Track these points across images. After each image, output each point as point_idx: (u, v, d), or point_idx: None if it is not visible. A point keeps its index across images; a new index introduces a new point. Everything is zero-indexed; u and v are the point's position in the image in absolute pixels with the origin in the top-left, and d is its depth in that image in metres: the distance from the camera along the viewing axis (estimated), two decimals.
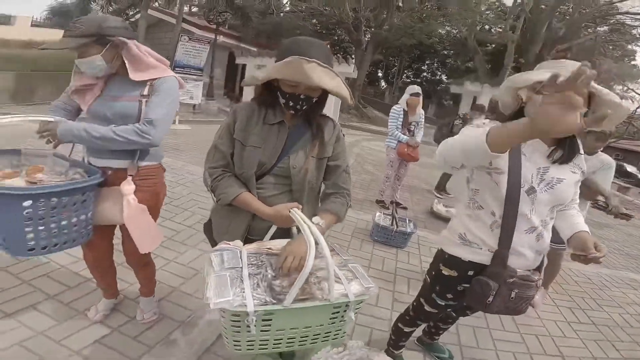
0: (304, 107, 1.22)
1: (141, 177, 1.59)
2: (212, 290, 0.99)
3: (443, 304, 1.55)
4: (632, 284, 3.78)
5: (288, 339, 1.12)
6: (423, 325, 2.00)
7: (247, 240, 1.31)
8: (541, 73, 1.11)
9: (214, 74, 11.96)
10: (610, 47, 15.68)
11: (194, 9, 19.57)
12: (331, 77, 1.11)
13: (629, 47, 16.51)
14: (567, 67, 1.05)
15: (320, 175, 1.33)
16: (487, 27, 20.29)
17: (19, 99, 9.74)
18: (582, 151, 1.31)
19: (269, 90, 1.27)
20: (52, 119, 1.44)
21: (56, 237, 1.37)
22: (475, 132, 1.04)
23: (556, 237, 2.66)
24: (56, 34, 15.51)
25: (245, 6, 14.07)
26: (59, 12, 19.65)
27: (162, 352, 1.78)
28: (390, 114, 4.52)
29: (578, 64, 0.73)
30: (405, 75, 28.01)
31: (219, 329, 1.97)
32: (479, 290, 1.32)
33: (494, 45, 20.52)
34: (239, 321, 1.00)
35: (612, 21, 15.68)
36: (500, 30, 17.42)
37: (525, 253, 1.30)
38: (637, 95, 14.39)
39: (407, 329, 1.84)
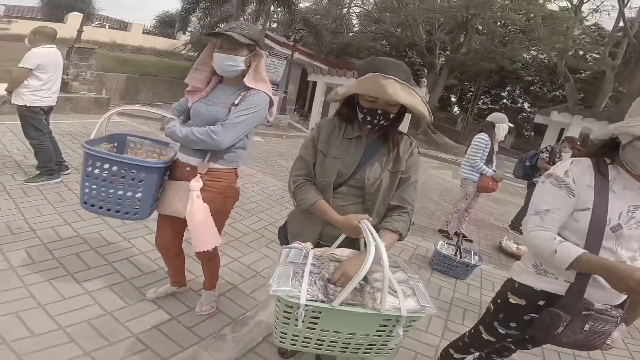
0: (380, 122, 1.28)
1: (211, 178, 1.69)
2: (274, 278, 1.08)
3: (504, 332, 1.48)
4: None
5: (330, 341, 1.14)
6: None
7: (318, 245, 1.39)
8: None
9: (288, 89, 12.30)
10: None
11: (274, 25, 20.74)
12: (409, 94, 1.15)
13: None
14: None
15: (392, 188, 1.37)
16: (580, 52, 18.54)
17: (127, 98, 11.17)
18: None
19: (349, 107, 1.38)
20: (169, 116, 1.69)
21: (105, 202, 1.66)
22: (564, 253, 1.14)
23: None
24: (162, 42, 17.67)
25: (319, 24, 14.61)
26: (164, 21, 22.10)
27: (211, 345, 1.88)
28: (474, 143, 4.13)
29: None
30: (482, 101, 26.54)
31: (267, 329, 2.08)
32: (547, 321, 1.25)
33: (588, 72, 18.67)
34: (290, 313, 1.05)
35: None
36: (598, 56, 15.72)
37: (606, 286, 1.18)
38: None
39: (457, 355, 1.77)
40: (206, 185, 1.67)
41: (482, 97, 26.25)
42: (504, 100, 25.86)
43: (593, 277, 1.20)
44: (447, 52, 18.80)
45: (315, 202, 1.33)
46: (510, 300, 1.41)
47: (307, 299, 1.02)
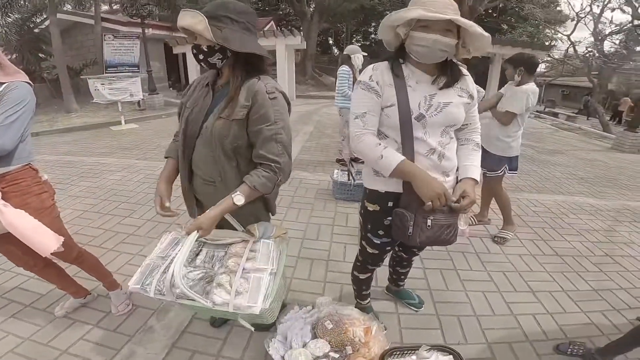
0: (201, 59, 1.22)
1: (8, 183, 1.52)
2: (135, 275, 1.28)
3: (378, 242, 1.53)
4: (589, 209, 3.74)
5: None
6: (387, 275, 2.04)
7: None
8: (413, 10, 1.16)
9: (152, 67, 11.05)
10: None
11: (116, 7, 17.70)
12: (191, 17, 1.14)
13: None
14: (436, 3, 1.15)
15: (229, 137, 1.24)
16: None
17: None
18: (466, 75, 1.35)
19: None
20: None
21: None
22: (386, 161, 1.25)
23: (485, 163, 2.59)
24: None
25: None
26: None
27: (142, 339, 1.83)
28: (339, 75, 4.39)
29: None
30: (354, 39, 27.69)
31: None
32: (398, 222, 1.33)
33: None
34: None
35: None
36: None
37: (431, 175, 1.28)
38: (565, 37, 14.95)
39: (362, 276, 1.78)
40: (8, 192, 1.51)
41: (354, 35, 27.28)
42: (373, 35, 27.14)
43: (417, 163, 1.28)
44: None
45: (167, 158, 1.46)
46: (368, 208, 1.47)
47: (154, 293, 1.20)
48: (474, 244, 2.79)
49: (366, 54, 4.57)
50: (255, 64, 1.25)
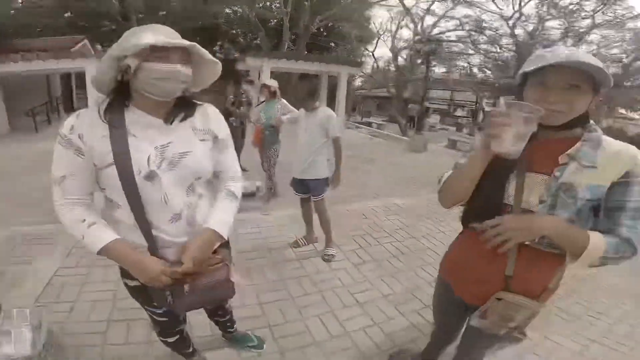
0: None
1: None
2: None
3: (160, 311, 1.31)
4: (394, 208, 4.35)
5: None
6: None
7: None
8: (146, 36, 0.93)
9: None
10: (355, 14, 18.23)
11: None
12: None
13: (369, 13, 19.46)
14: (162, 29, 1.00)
15: None
16: (268, 3, 20.56)
17: None
18: (209, 111, 1.16)
19: None
20: None
21: None
22: (89, 243, 1.02)
23: (314, 191, 2.73)
24: None
25: None
26: None
27: None
28: None
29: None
30: None
31: None
32: (153, 293, 1.13)
33: (276, 21, 21.10)
34: None
35: None
36: (279, 5, 17.74)
37: (182, 241, 1.11)
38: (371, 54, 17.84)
39: (170, 339, 1.51)
40: None
41: None
42: (218, 54, 26.66)
43: (165, 239, 1.08)
44: (143, 15, 16.65)
45: None
46: (129, 284, 1.22)
47: None
48: (305, 267, 2.83)
49: None
50: None
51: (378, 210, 4.26)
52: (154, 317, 1.36)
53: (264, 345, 1.94)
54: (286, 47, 16.13)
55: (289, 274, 2.70)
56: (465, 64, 15.56)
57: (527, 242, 0.98)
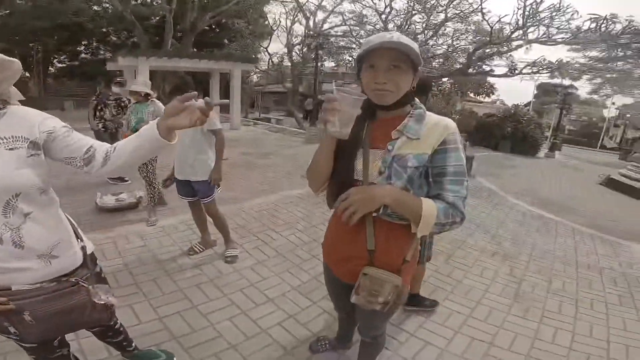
0: None
1: None
2: None
3: (17, 338, 1.13)
4: (295, 200, 4.49)
5: None
6: None
7: None
8: None
9: None
10: (250, 11, 17.84)
11: None
12: None
13: (262, 8, 19.19)
14: None
15: None
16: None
17: None
18: (21, 116, 1.01)
19: None
20: None
21: None
22: None
23: (200, 193, 2.64)
24: None
25: None
26: None
27: None
28: None
29: None
30: (57, 60, 22.72)
31: None
32: None
33: (157, 17, 19.14)
34: None
35: None
36: (160, 1, 16.07)
37: (17, 266, 1.00)
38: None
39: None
40: None
41: (55, 56, 22.32)
42: (84, 55, 23.08)
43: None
44: None
45: None
46: None
47: None
48: (206, 272, 2.73)
49: None
50: None
51: (278, 203, 4.36)
52: (21, 344, 1.20)
53: (174, 358, 1.85)
54: (170, 45, 14.85)
55: (188, 282, 2.58)
56: (350, 58, 16.54)
57: (379, 216, 1.08)
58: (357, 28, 14.22)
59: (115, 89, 4.89)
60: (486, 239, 3.89)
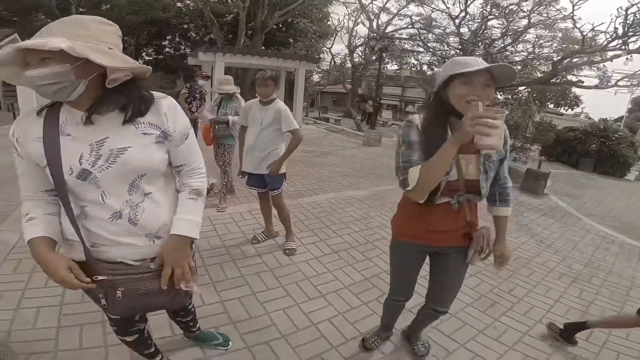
0: None
1: None
2: None
3: (112, 315, 1.29)
4: (351, 201, 4.49)
5: None
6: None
7: None
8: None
9: None
10: (314, 10, 18.13)
11: None
12: None
13: (326, 9, 19.29)
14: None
15: None
16: None
17: None
18: (164, 107, 1.05)
19: None
20: None
21: None
22: (26, 235, 1.01)
23: (271, 185, 2.81)
24: None
25: None
26: None
27: None
28: None
29: None
30: (145, 53, 25.10)
31: None
32: (89, 295, 1.19)
33: (231, 15, 20.23)
34: None
35: None
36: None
37: (126, 242, 1.06)
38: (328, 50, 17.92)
39: (128, 339, 1.44)
40: None
41: (144, 49, 24.74)
42: (167, 49, 25.39)
43: (105, 237, 1.04)
44: (84, 9, 15.37)
45: None
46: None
47: None
48: (267, 261, 2.83)
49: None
50: None
51: (334, 202, 4.38)
52: (106, 314, 1.32)
53: (230, 342, 1.93)
54: (242, 42, 15.67)
55: (250, 269, 2.70)
56: (415, 62, 16.09)
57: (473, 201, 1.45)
58: (425, 31, 13.72)
59: (201, 82, 5.27)
60: (556, 259, 3.54)
